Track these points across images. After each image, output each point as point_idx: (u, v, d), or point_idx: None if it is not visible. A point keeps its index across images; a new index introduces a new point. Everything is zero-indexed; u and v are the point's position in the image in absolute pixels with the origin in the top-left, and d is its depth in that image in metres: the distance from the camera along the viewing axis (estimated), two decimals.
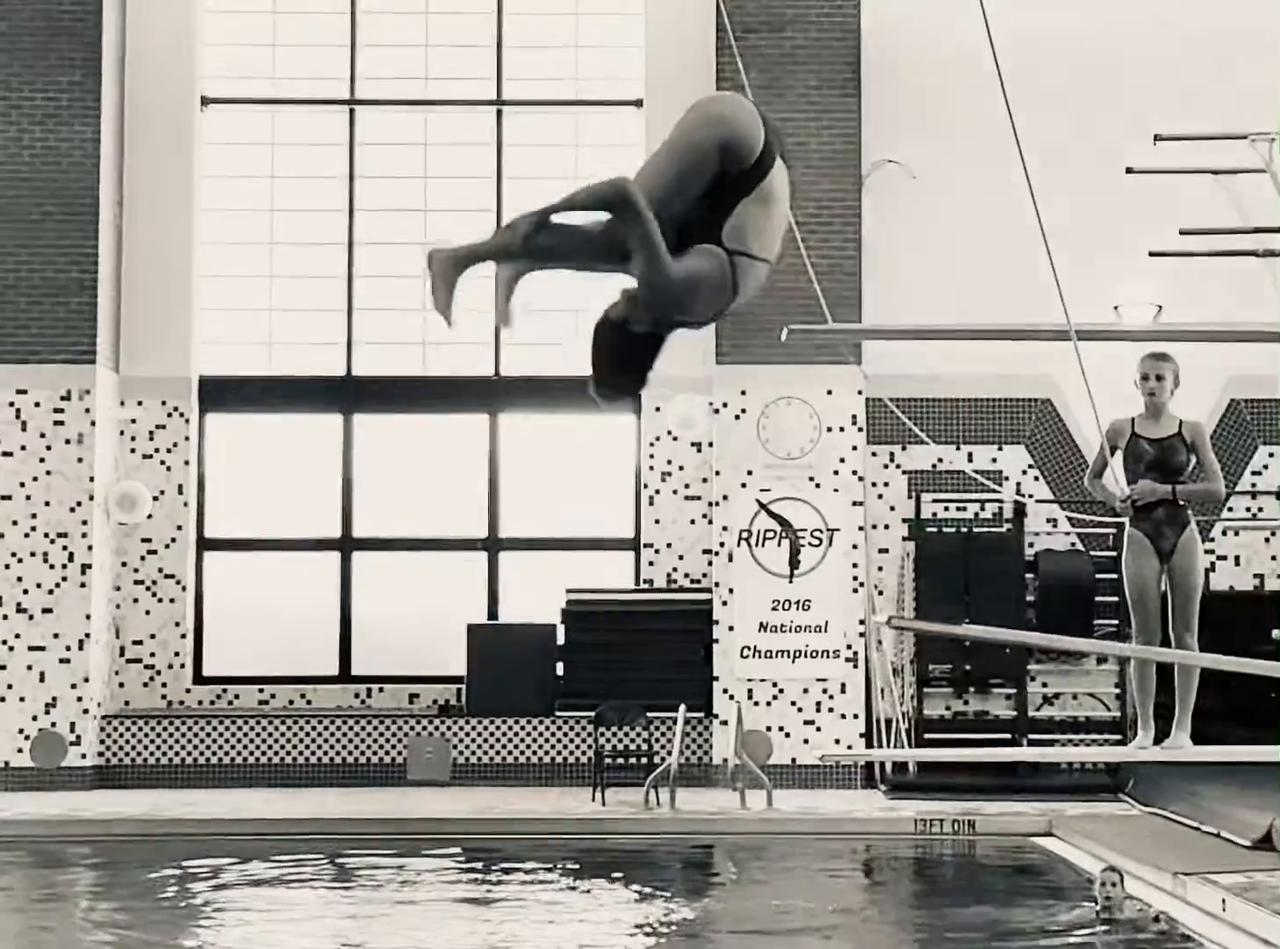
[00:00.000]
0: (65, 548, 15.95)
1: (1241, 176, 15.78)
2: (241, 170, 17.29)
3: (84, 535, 15.99)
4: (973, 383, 16.34)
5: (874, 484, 16.42)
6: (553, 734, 16.15)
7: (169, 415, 16.84)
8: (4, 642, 15.83)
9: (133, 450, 16.75)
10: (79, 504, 16.01)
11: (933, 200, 16.24)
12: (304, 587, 17.05)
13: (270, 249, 17.27)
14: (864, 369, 15.95)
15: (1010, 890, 11.04)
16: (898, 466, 16.52)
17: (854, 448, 16.13)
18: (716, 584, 16.15)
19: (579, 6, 17.29)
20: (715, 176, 4.97)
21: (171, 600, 16.72)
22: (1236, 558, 16.33)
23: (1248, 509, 16.31)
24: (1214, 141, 13.32)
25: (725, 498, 16.14)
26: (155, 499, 16.50)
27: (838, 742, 15.74)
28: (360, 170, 17.32)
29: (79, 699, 15.89)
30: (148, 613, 16.68)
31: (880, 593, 16.29)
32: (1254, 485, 16.35)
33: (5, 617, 15.85)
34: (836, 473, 16.06)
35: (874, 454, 16.43)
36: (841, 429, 16.10)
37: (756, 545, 16.00)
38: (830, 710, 15.90)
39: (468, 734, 16.17)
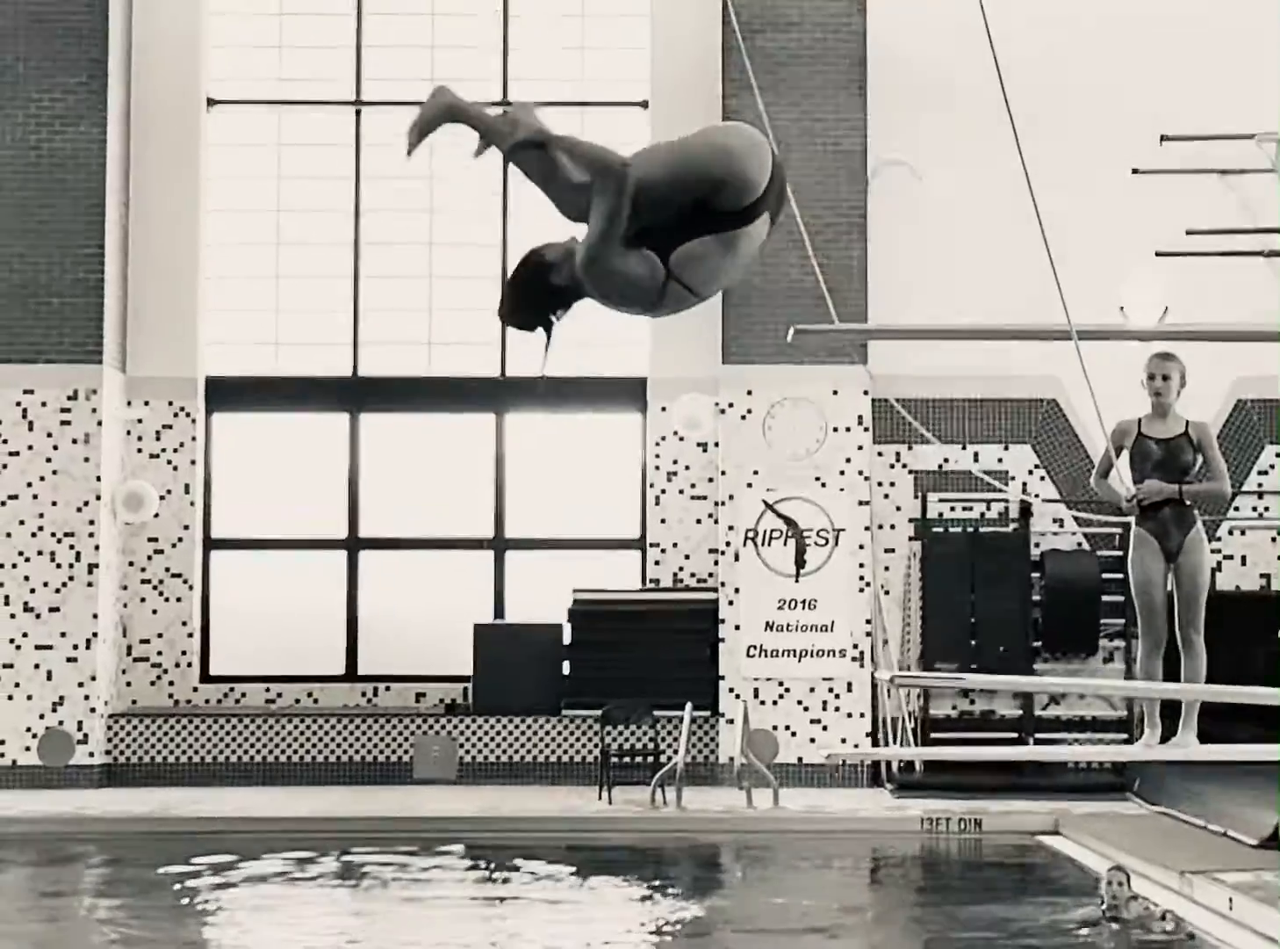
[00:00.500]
0: (72, 547, 15.98)
1: (1248, 177, 15.82)
2: (247, 171, 17.32)
3: (91, 535, 16.02)
4: (979, 383, 16.35)
5: (880, 484, 16.43)
6: (559, 733, 16.17)
7: (175, 415, 16.86)
8: (11, 641, 15.86)
9: (139, 450, 16.78)
10: (86, 504, 16.04)
11: (939, 200, 16.25)
12: (311, 586, 17.07)
13: (276, 249, 17.30)
14: (870, 369, 15.97)
15: (1017, 889, 11.06)
16: (904, 466, 16.53)
17: (860, 448, 16.14)
18: (722, 584, 16.17)
19: (584, 8, 17.31)
20: (701, 200, 5.02)
21: (178, 599, 16.75)
22: (1243, 557, 16.34)
23: (1254, 509, 16.32)
24: (1220, 142, 13.36)
25: (731, 497, 16.16)
26: (162, 498, 16.53)
27: (844, 741, 15.76)
28: (366, 171, 17.35)
29: (86, 698, 15.92)
30: (155, 612, 16.71)
31: (886, 593, 16.31)
32: (1260, 485, 16.35)
33: (13, 616, 15.88)
34: (842, 473, 16.08)
35: (880, 454, 16.44)
36: (847, 429, 16.12)
37: (763, 545, 16.02)
38: (836, 709, 15.92)
39: (474, 733, 16.19)
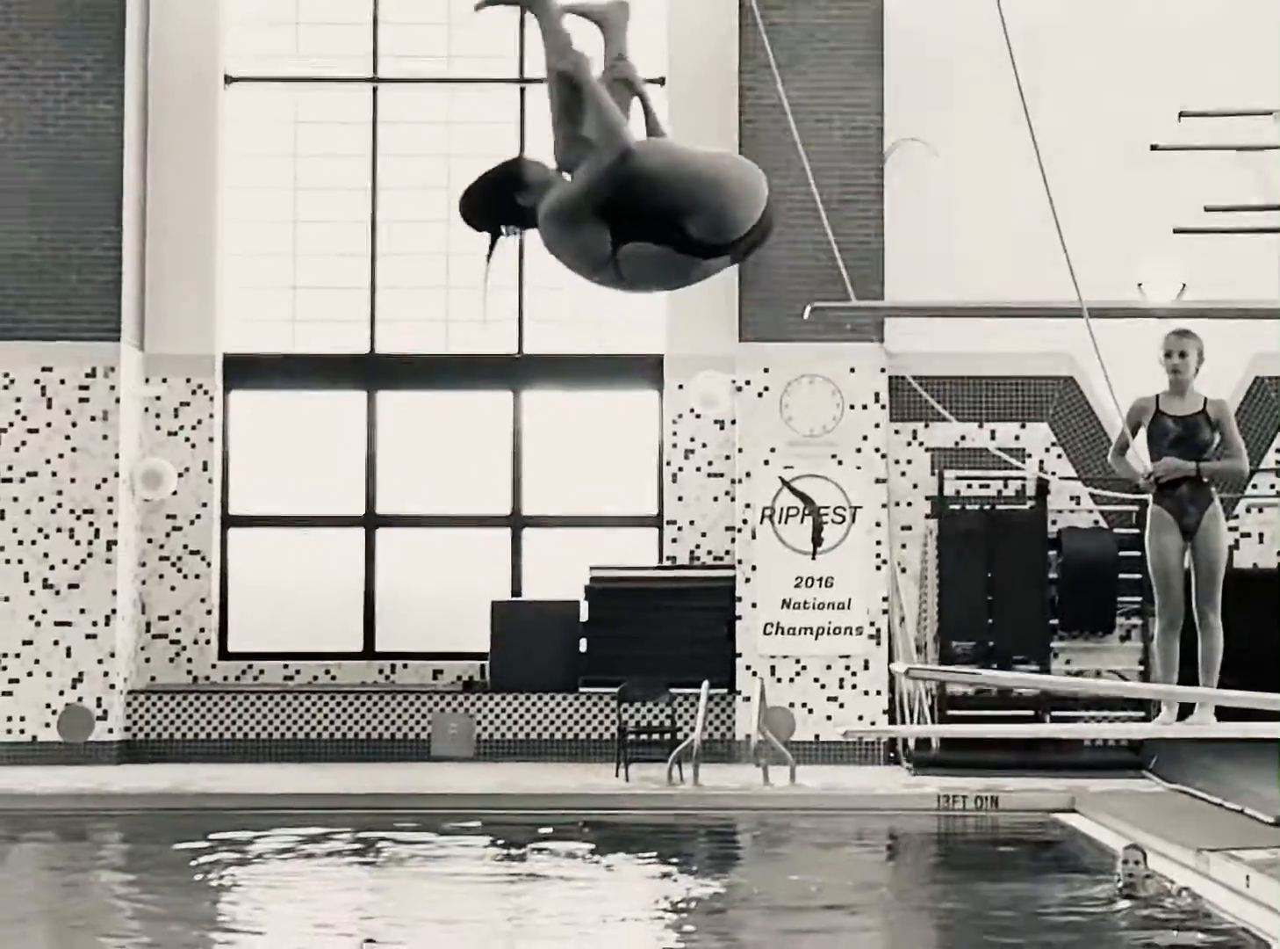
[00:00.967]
0: (91, 524, 16.02)
1: (1267, 153, 15.76)
2: (265, 148, 17.32)
3: (110, 512, 16.06)
4: (996, 360, 16.33)
5: (896, 461, 16.43)
6: (576, 710, 16.19)
7: (193, 392, 16.89)
8: (31, 617, 15.91)
9: (157, 427, 16.81)
10: (104, 481, 16.07)
11: (955, 177, 16.22)
12: (328, 563, 17.11)
13: (294, 227, 17.30)
14: (886, 346, 15.96)
15: (1033, 867, 11.07)
16: (920, 444, 16.53)
17: (876, 425, 16.13)
18: (739, 561, 16.18)
19: None
20: (678, 214, 5.05)
21: (197, 576, 16.79)
22: (1260, 535, 16.31)
23: (1272, 486, 16.29)
24: (1239, 118, 13.31)
25: (748, 475, 16.16)
26: (180, 476, 16.56)
27: (860, 718, 15.77)
28: (384, 148, 17.34)
29: (105, 674, 15.97)
30: (173, 589, 16.75)
31: (903, 570, 16.31)
32: (1278, 462, 16.32)
33: (32, 592, 15.93)
34: (859, 450, 16.07)
35: (896, 431, 16.43)
36: (864, 406, 16.11)
37: (779, 522, 16.02)
38: (853, 687, 15.93)
39: (492, 710, 16.23)
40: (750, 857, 12.29)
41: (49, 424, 16.06)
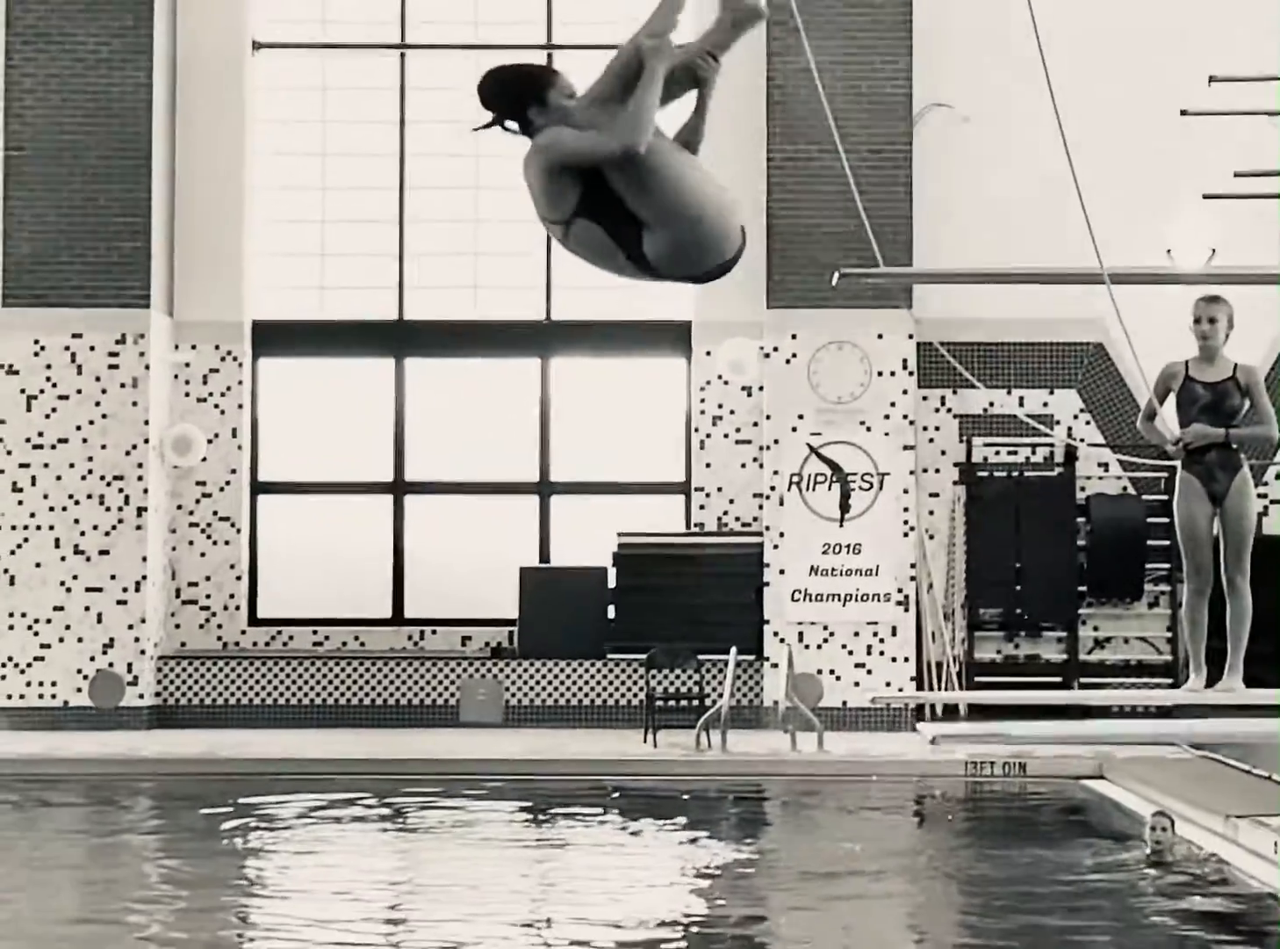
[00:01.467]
0: (121, 490, 16.09)
1: None
2: (293, 115, 17.33)
3: (139, 479, 16.12)
4: (1024, 326, 16.30)
5: (925, 428, 16.41)
6: (604, 676, 16.23)
7: (222, 359, 16.93)
8: (62, 583, 15.99)
9: (187, 394, 16.85)
10: (134, 447, 16.13)
11: (984, 143, 16.17)
12: (357, 530, 17.16)
13: (322, 193, 17.32)
14: (915, 313, 15.93)
15: (1061, 833, 11.08)
16: (949, 410, 16.51)
17: (904, 392, 16.11)
18: (767, 528, 16.19)
19: None
20: (644, 224, 5.22)
21: (226, 543, 16.85)
22: None
23: None
24: (1270, 83, 13.21)
25: (776, 442, 16.16)
26: (209, 442, 16.61)
27: (888, 684, 15.79)
28: (411, 115, 17.33)
29: (136, 640, 16.04)
30: (203, 555, 16.81)
31: (931, 537, 16.30)
32: None
33: (63, 558, 16.00)
34: (887, 417, 16.06)
35: (925, 398, 16.41)
36: (892, 373, 16.09)
37: (807, 489, 16.02)
38: (881, 653, 15.94)
39: (520, 676, 16.27)
40: (778, 822, 12.32)
41: (79, 391, 16.12)
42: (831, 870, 9.54)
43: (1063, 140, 6.86)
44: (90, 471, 16.10)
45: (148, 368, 16.20)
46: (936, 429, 16.50)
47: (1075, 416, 16.50)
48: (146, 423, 16.18)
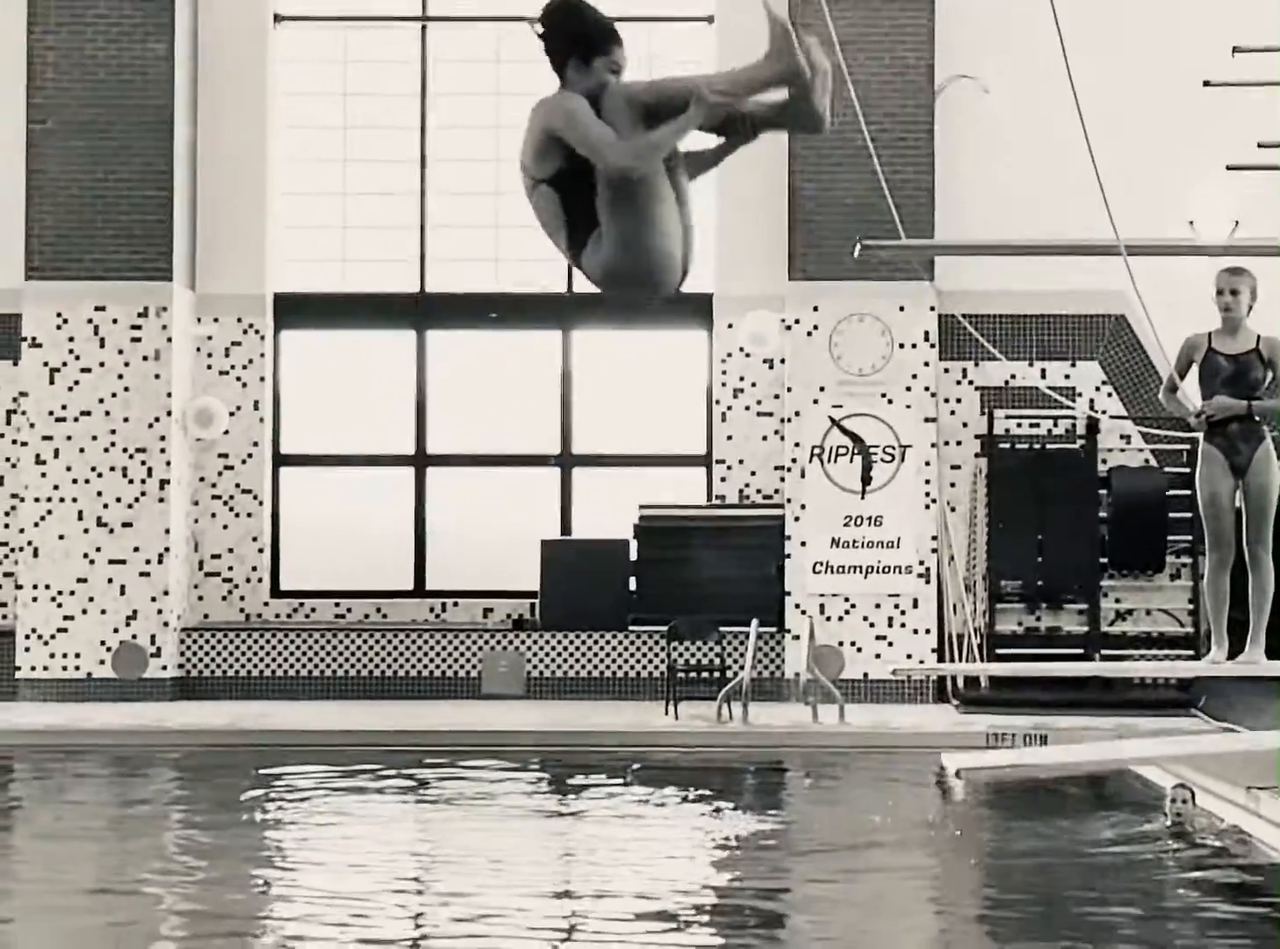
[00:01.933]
0: (144, 463, 16.13)
1: None
2: (315, 87, 17.33)
3: (162, 451, 16.17)
4: (1046, 298, 16.26)
5: (946, 400, 16.39)
6: (626, 648, 16.26)
7: (245, 332, 16.96)
8: (85, 555, 16.05)
9: (209, 367, 16.89)
10: (157, 420, 16.17)
11: (1006, 115, 16.12)
12: (379, 502, 17.20)
13: (344, 166, 17.32)
14: (936, 285, 15.91)
15: (1081, 805, 11.08)
16: (970, 383, 16.48)
17: (926, 364, 16.09)
18: (789, 500, 16.19)
19: None
20: (601, 226, 5.26)
21: (249, 515, 16.89)
22: None
23: None
24: None
25: (797, 414, 16.15)
26: (232, 415, 16.65)
27: (909, 656, 15.80)
28: (433, 87, 17.33)
29: (159, 612, 16.10)
30: (225, 527, 16.86)
31: (953, 509, 16.30)
32: None
33: (86, 530, 16.06)
34: (909, 389, 16.04)
35: (946, 370, 16.40)
36: (914, 345, 16.07)
37: (829, 461, 16.02)
38: (902, 625, 15.94)
39: (542, 648, 16.30)
40: (799, 794, 12.34)
41: (102, 364, 16.16)
42: (852, 842, 9.55)
43: (1077, 109, 6.85)
44: (113, 444, 16.14)
45: (170, 341, 16.24)
46: (958, 401, 16.48)
47: (1097, 389, 16.47)
48: (169, 395, 16.23)
